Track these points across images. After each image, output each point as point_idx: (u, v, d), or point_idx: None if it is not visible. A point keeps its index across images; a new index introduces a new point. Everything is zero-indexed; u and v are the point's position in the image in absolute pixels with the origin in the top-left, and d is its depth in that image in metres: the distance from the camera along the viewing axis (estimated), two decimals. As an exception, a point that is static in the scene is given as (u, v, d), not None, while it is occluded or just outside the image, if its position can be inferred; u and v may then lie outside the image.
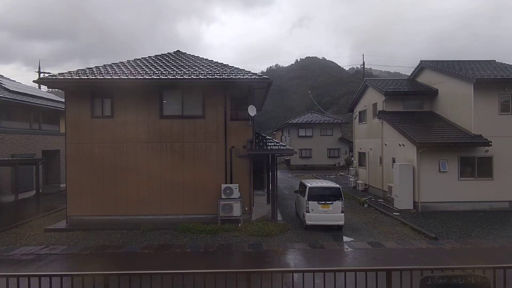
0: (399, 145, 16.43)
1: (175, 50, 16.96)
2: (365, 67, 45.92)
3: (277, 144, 13.90)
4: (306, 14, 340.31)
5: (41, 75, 34.56)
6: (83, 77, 12.46)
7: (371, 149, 20.48)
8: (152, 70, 13.31)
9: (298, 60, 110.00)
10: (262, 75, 13.53)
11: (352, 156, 31.70)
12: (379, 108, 19.03)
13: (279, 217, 13.92)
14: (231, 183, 12.97)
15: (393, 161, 16.98)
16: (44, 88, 29.32)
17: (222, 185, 12.77)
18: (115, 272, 4.37)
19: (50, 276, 4.80)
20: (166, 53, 16.58)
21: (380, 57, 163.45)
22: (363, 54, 49.05)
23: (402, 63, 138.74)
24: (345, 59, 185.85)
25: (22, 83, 24.87)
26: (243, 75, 12.93)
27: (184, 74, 12.89)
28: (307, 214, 12.20)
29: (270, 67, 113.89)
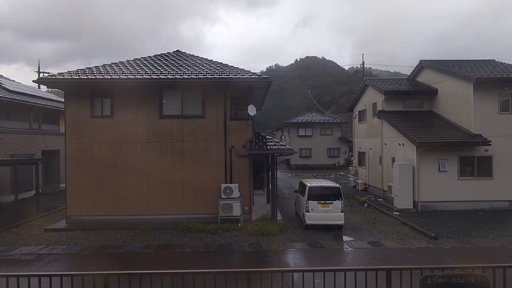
0: (399, 144, 16.43)
1: (175, 50, 16.97)
2: (365, 67, 45.96)
3: (277, 143, 13.91)
4: (308, 14, 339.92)
5: (42, 75, 34.53)
6: (83, 77, 12.46)
7: (370, 148, 20.48)
8: (152, 69, 13.31)
9: (298, 59, 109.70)
10: (261, 75, 13.54)
11: (351, 155, 31.70)
12: (379, 107, 19.02)
13: (279, 217, 13.93)
14: (231, 182, 12.97)
15: (393, 160, 16.98)
16: (44, 88, 29.31)
17: (222, 184, 12.77)
18: (115, 272, 4.37)
19: (50, 276, 4.80)
20: (166, 52, 16.59)
21: (381, 57, 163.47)
22: (362, 54, 48.87)
23: (403, 63, 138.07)
24: (345, 59, 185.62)
25: (25, 83, 24.89)
26: (242, 75, 12.93)
27: (183, 73, 12.89)
28: (307, 213, 12.21)
29: (270, 66, 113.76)
